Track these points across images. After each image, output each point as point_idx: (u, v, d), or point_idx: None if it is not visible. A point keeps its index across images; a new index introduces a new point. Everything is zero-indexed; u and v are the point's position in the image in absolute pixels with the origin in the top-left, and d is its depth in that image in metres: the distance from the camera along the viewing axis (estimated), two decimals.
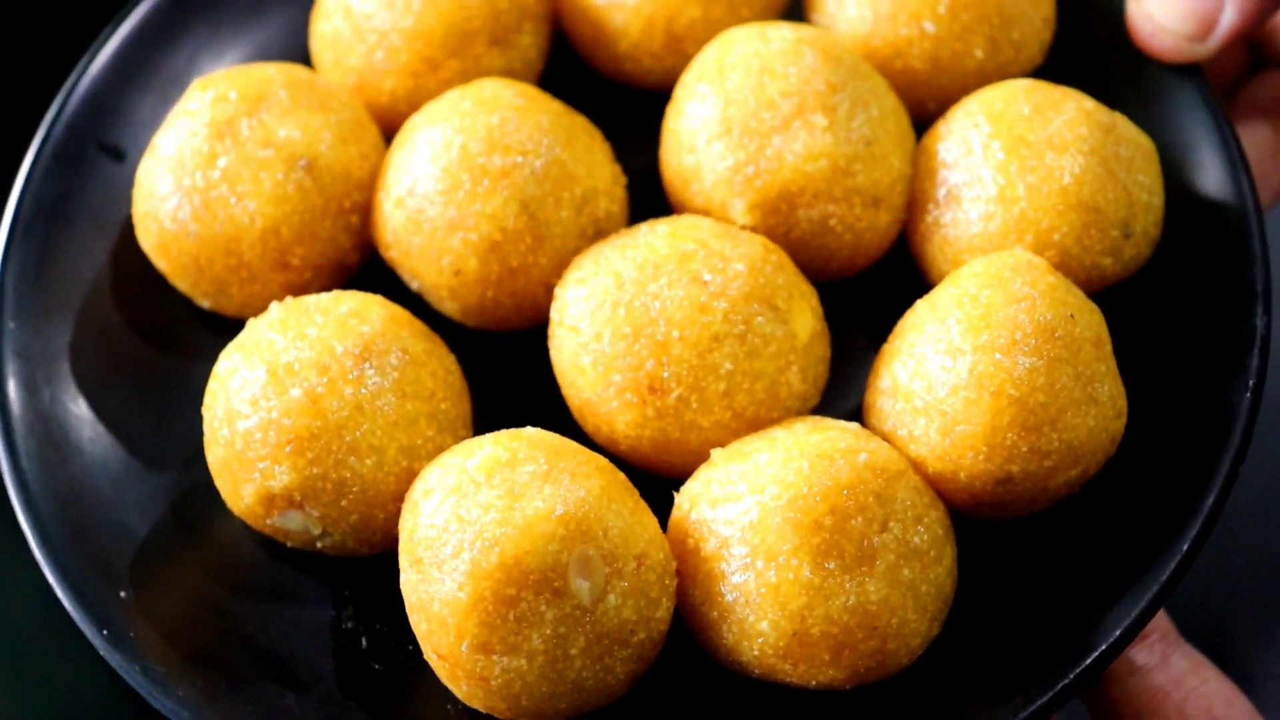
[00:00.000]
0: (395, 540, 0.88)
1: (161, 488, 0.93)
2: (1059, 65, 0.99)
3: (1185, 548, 0.84)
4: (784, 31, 0.94)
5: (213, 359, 0.94)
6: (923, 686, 0.85)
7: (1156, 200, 0.92)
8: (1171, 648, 0.88)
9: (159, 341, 0.97)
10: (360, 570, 0.91)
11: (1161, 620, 0.89)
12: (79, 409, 0.94)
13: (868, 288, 0.96)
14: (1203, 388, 0.89)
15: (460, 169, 0.90)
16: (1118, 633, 0.83)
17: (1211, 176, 0.94)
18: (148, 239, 0.95)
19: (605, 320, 0.87)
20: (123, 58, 1.03)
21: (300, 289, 0.95)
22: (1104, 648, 0.83)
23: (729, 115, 0.91)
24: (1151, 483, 0.87)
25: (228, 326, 0.96)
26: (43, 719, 1.10)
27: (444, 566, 0.81)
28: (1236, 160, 0.94)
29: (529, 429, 0.85)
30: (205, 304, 0.96)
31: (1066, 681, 0.82)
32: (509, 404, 0.94)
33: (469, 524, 0.81)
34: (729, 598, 0.82)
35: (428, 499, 0.83)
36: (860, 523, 0.81)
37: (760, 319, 0.87)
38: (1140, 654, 0.88)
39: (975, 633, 0.86)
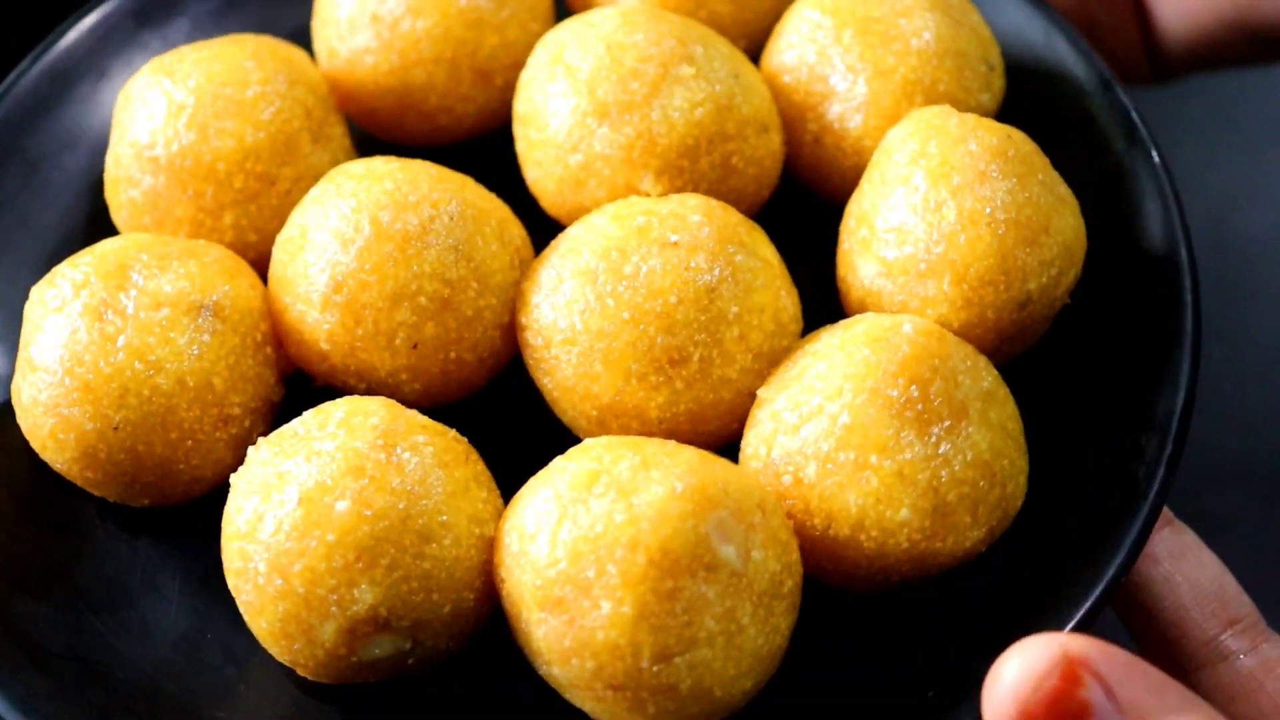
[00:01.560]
0: (485, 623, 0.82)
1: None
2: None
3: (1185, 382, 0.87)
4: (605, 12, 0.94)
5: (131, 545, 0.88)
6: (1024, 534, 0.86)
7: (989, 32, 0.96)
8: (1260, 637, 0.87)
9: (103, 567, 0.89)
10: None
11: (1249, 609, 0.88)
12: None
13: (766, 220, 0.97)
14: (1140, 239, 0.92)
15: (380, 241, 0.86)
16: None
17: (1037, 39, 0.99)
18: (66, 453, 0.86)
19: (600, 315, 0.85)
20: None
21: (243, 440, 0.88)
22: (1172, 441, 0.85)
23: (600, 99, 0.90)
24: (1119, 339, 0.90)
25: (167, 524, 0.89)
26: None
27: (592, 591, 0.76)
28: (1074, 33, 0.99)
29: (589, 440, 0.82)
30: (144, 502, 0.88)
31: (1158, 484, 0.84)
32: (508, 463, 0.89)
33: (599, 538, 0.77)
34: (855, 505, 0.80)
35: (535, 542, 0.78)
36: (940, 385, 0.82)
37: (739, 256, 0.86)
38: (1230, 640, 0.87)
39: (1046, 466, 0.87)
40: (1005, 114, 0.96)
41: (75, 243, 0.97)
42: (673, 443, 0.81)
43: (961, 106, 0.93)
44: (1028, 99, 0.98)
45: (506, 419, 0.91)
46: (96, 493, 0.88)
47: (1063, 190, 0.88)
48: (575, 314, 0.85)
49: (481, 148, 1.00)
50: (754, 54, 0.99)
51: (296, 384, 0.91)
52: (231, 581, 0.82)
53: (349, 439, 0.81)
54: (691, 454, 0.80)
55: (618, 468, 0.79)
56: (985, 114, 0.94)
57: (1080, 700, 0.71)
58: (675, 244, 0.86)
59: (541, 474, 0.81)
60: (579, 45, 0.92)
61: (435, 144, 1.00)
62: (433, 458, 0.81)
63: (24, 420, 0.87)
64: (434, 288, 0.86)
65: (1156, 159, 0.93)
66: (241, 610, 0.82)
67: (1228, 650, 0.86)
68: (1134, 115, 0.94)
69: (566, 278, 0.86)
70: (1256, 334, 1.12)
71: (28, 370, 0.87)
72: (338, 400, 0.85)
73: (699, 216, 0.87)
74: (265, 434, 0.89)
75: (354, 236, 0.87)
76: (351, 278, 0.86)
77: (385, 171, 0.89)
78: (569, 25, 0.94)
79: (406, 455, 0.81)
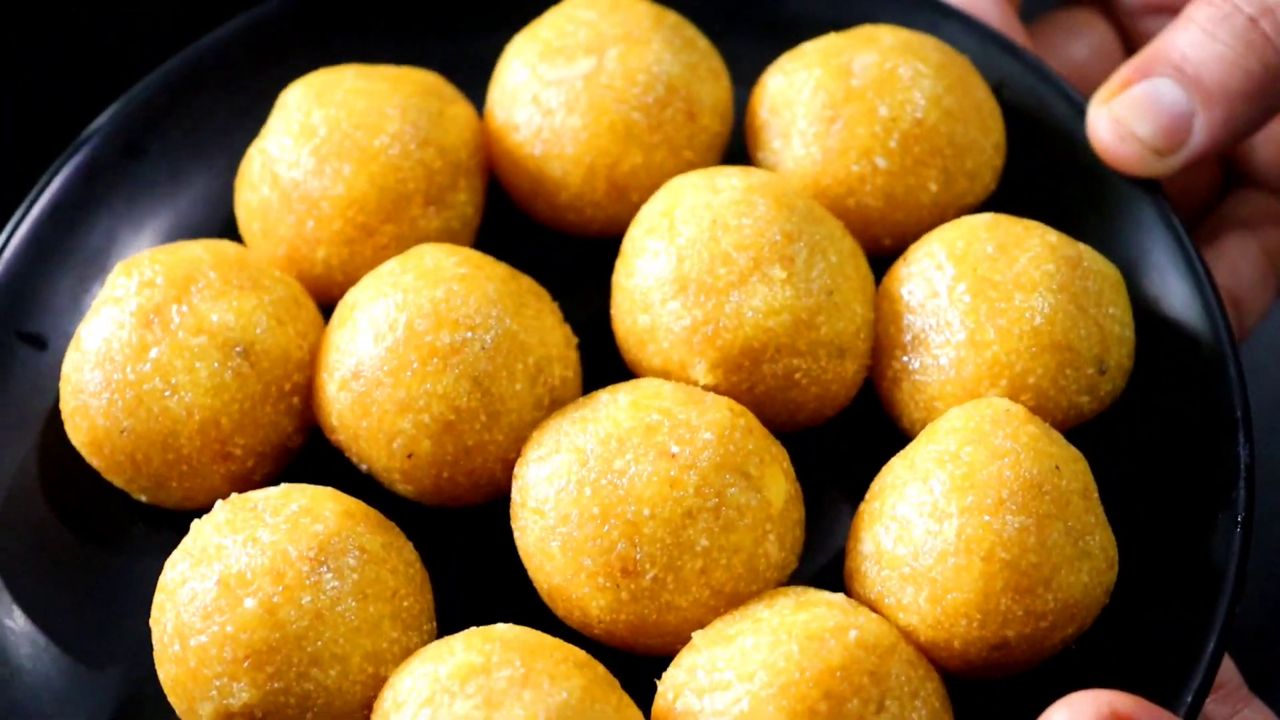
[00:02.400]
0: None
1: (107, 703, 0.87)
2: (1012, 191, 0.96)
3: (1189, 700, 0.81)
4: (733, 180, 0.90)
5: (153, 553, 0.90)
6: None
7: (1128, 331, 0.89)
8: (1242, 702, 0.85)
9: (95, 539, 0.92)
10: None
11: (1231, 673, 0.86)
12: (14, 623, 0.89)
13: (833, 434, 0.93)
14: (1190, 526, 0.86)
15: (407, 348, 0.86)
16: None
17: (1179, 300, 0.92)
18: (79, 436, 0.90)
19: (571, 501, 0.83)
20: (37, 239, 0.98)
21: (243, 477, 0.90)
22: None
23: (683, 272, 0.88)
24: (1147, 631, 0.84)
25: (167, 518, 0.92)
26: None
27: None
28: (1204, 282, 0.91)
29: (500, 626, 0.81)
30: (143, 498, 0.91)
31: None
32: (472, 587, 0.89)
33: None
34: None
35: (399, 712, 0.78)
36: (856, 705, 0.78)
37: (733, 490, 0.83)
38: (1212, 706, 0.84)
39: None
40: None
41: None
42: (576, 659, 0.80)
43: (1049, 405, 0.86)
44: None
45: (494, 538, 0.91)
46: (103, 475, 0.91)
47: (1094, 542, 0.82)
48: (553, 488, 0.84)
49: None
50: (900, 253, 0.93)
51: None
52: (151, 623, 0.85)
53: (285, 539, 0.82)
54: (580, 684, 0.78)
55: (498, 673, 0.78)
56: (1080, 416, 0.87)
57: None
58: (673, 456, 0.83)
59: (439, 644, 0.81)
60: (691, 206, 0.89)
61: (560, 232, 0.99)
62: (353, 586, 0.82)
63: (62, 389, 0.91)
64: (440, 410, 0.86)
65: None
66: (154, 649, 0.85)
67: (1209, 716, 0.85)
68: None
69: (562, 449, 0.84)
70: (1256, 333, 1.05)
71: (75, 346, 0.90)
72: (306, 488, 0.86)
73: (710, 434, 0.84)
74: (271, 474, 0.91)
75: (386, 334, 0.87)
76: (370, 371, 0.87)
77: (449, 275, 0.88)
78: (697, 180, 0.91)
79: (328, 576, 0.82)
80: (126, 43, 1.27)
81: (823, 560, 0.90)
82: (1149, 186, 0.94)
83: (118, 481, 0.91)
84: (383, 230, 0.93)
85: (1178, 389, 0.90)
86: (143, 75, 1.02)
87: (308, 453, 0.93)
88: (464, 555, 0.91)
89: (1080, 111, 0.96)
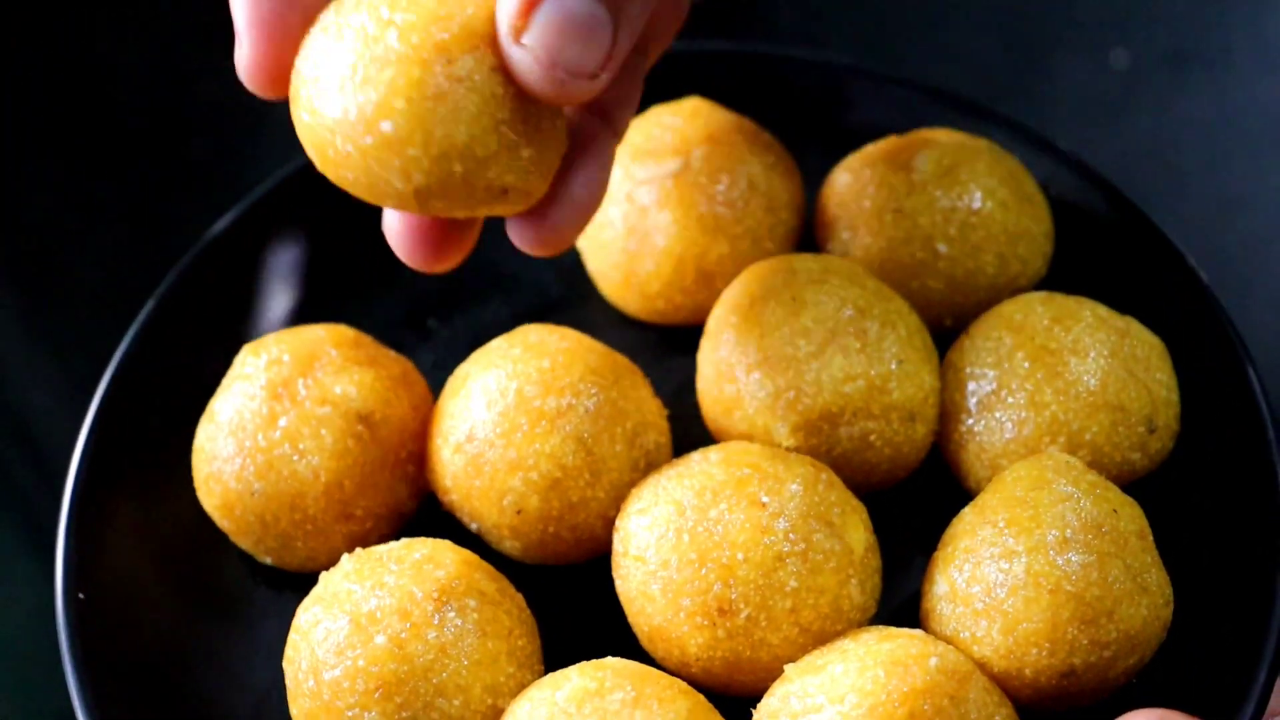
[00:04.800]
0: None
1: None
2: (1061, 275, 1.05)
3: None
4: (809, 263, 0.99)
5: (275, 615, 0.98)
6: None
7: (1174, 395, 0.97)
8: None
9: (223, 601, 1.00)
10: None
11: None
12: (155, 676, 0.96)
13: (904, 497, 1.01)
14: (1236, 572, 0.94)
15: (517, 412, 0.95)
16: None
17: (1219, 369, 1.00)
18: (211, 500, 0.98)
19: (671, 548, 0.91)
20: (163, 324, 1.06)
21: (362, 538, 0.98)
22: None
23: (766, 345, 0.96)
24: (1202, 666, 0.91)
25: (289, 581, 1.00)
26: None
27: None
28: (1241, 352, 0.99)
29: (610, 659, 0.89)
30: (268, 560, 0.99)
31: None
32: (575, 637, 0.97)
33: None
34: None
35: None
36: None
37: (819, 535, 0.91)
38: None
39: None
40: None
41: None
42: (680, 688, 0.87)
43: (1105, 460, 0.94)
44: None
45: (593, 594, 0.98)
46: (231, 538, 0.99)
47: (1152, 579, 0.89)
48: (654, 536, 0.91)
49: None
50: (959, 331, 1.02)
51: (433, 498, 1.01)
52: (284, 663, 0.92)
53: (411, 581, 0.90)
54: (686, 706, 0.85)
55: (610, 697, 0.85)
56: (1133, 473, 0.95)
57: None
58: (763, 505, 0.91)
59: (554, 675, 0.88)
60: (770, 286, 0.98)
61: (646, 321, 1.07)
62: (474, 624, 0.89)
63: (195, 458, 0.99)
64: (548, 468, 0.94)
65: None
66: (287, 688, 0.92)
67: None
68: None
69: (661, 501, 0.92)
70: (1258, 335, 1.08)
71: (208, 419, 0.99)
72: (425, 541, 0.94)
73: (797, 486, 0.91)
74: (387, 536, 0.99)
75: (498, 400, 0.95)
76: (483, 434, 0.95)
77: (552, 349, 0.97)
78: (775, 264, 1.00)
79: (451, 614, 0.89)
80: (127, 43, 1.28)
81: (898, 610, 0.97)
82: (1186, 270, 1.03)
83: (245, 543, 0.99)
84: None
85: (1221, 449, 0.98)
86: (143, 75, 1.09)
87: (419, 519, 1.01)
88: (565, 609, 0.98)
89: (1122, 205, 1.05)
